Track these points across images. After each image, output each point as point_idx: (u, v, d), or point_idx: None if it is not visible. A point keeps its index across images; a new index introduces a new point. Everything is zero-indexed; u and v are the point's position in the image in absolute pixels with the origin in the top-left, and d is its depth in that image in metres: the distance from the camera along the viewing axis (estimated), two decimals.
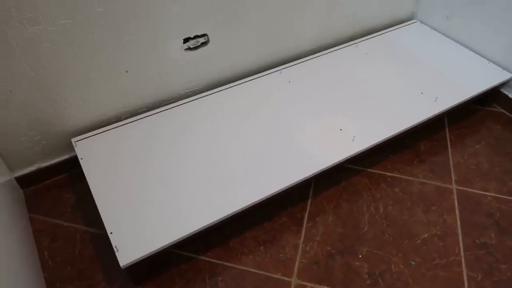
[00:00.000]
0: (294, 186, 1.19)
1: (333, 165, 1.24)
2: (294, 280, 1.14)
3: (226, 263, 1.17)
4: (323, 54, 1.67)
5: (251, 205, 1.13)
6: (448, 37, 1.80)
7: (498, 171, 1.43)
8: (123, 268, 0.99)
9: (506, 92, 1.66)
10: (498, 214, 1.30)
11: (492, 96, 1.66)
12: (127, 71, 1.28)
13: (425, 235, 1.25)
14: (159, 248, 1.03)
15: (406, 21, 1.91)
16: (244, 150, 1.27)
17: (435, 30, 1.84)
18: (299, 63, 1.62)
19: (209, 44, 1.39)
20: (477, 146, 1.52)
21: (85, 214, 1.29)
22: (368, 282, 1.14)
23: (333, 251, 1.20)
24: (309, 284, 1.13)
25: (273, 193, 1.15)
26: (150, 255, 1.02)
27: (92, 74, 1.23)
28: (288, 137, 1.31)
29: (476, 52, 1.70)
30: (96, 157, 1.24)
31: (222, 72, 1.51)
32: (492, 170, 1.44)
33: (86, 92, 1.26)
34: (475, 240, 1.24)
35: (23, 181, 1.34)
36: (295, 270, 1.16)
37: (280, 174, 1.20)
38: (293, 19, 1.54)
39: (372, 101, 1.46)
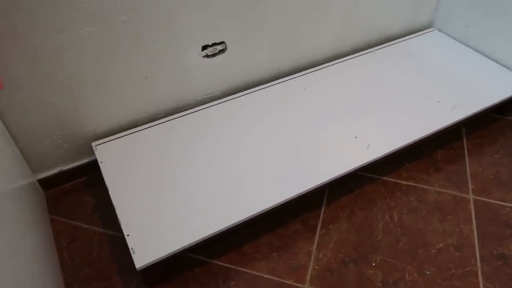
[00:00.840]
0: (308, 192, 1.20)
1: (347, 173, 1.25)
2: (306, 287, 1.14)
3: (239, 268, 1.18)
4: (340, 62, 1.67)
5: (264, 211, 1.14)
6: (466, 45, 1.78)
7: None
8: (138, 270, 1.02)
9: None
10: None
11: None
12: (146, 77, 1.32)
13: (441, 245, 1.23)
14: (174, 251, 1.05)
15: (424, 29, 1.91)
16: (259, 156, 1.29)
17: (453, 38, 1.83)
18: (315, 70, 1.63)
19: (226, 51, 1.41)
20: (496, 156, 1.50)
21: (103, 217, 1.32)
22: None
23: (347, 259, 1.20)
24: None
25: (287, 199, 1.16)
26: (165, 258, 1.04)
27: (113, 80, 1.27)
28: (303, 144, 1.32)
29: (495, 61, 1.68)
30: (115, 161, 1.28)
31: (238, 79, 1.54)
32: (511, 180, 1.41)
33: (106, 98, 1.30)
34: (493, 251, 1.22)
35: (45, 183, 1.38)
36: (308, 277, 1.16)
37: (294, 181, 1.21)
38: (310, 28, 1.55)
39: (388, 109, 1.46)
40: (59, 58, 1.13)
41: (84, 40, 1.12)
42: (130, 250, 1.04)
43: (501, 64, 1.66)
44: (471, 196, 1.37)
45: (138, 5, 1.14)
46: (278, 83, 1.57)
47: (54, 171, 1.38)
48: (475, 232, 1.26)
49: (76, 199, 1.38)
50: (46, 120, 1.24)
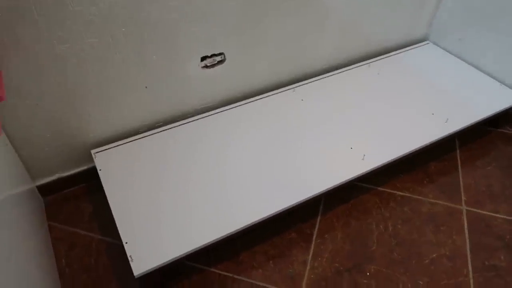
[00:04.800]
0: (304, 202, 1.22)
1: (343, 183, 1.27)
2: None
3: (236, 276, 1.20)
4: (336, 73, 1.71)
5: (261, 220, 1.16)
6: (460, 58, 1.82)
7: (509, 193, 1.43)
8: (136, 277, 1.03)
9: None
10: (508, 237, 1.30)
11: (504, 118, 1.67)
12: (146, 87, 1.34)
13: (434, 255, 1.25)
14: (172, 259, 1.06)
15: (419, 42, 1.95)
16: (256, 166, 1.31)
17: (447, 51, 1.87)
18: (312, 81, 1.66)
19: (225, 62, 1.44)
20: (488, 168, 1.53)
21: (101, 224, 1.34)
22: None
23: (341, 268, 1.22)
24: None
25: (283, 209, 1.18)
26: (163, 265, 1.06)
27: (114, 89, 1.29)
28: (299, 154, 1.35)
29: (488, 75, 1.72)
30: (114, 169, 1.29)
31: (236, 89, 1.56)
32: (503, 192, 1.44)
33: (107, 107, 1.32)
34: (484, 262, 1.24)
35: (44, 190, 1.40)
36: (303, 285, 1.18)
37: (291, 191, 1.23)
38: (308, 40, 1.59)
39: (383, 121, 1.49)
40: (62, 68, 1.15)
41: (86, 51, 1.14)
42: (128, 258, 1.05)
43: (493, 78, 1.70)
44: (463, 208, 1.39)
45: (140, 18, 1.16)
46: (275, 93, 1.60)
47: (53, 177, 1.40)
48: (468, 243, 1.29)
49: (75, 206, 1.39)
50: (47, 128, 1.26)
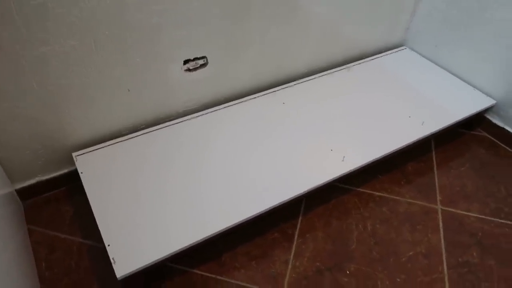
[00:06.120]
0: (286, 203, 1.24)
1: (323, 184, 1.30)
2: None
3: (218, 277, 1.21)
4: (317, 77, 1.74)
5: (243, 221, 1.18)
6: (436, 64, 1.89)
7: (481, 193, 1.50)
8: (119, 279, 1.03)
9: (489, 117, 1.74)
10: (480, 234, 1.36)
11: (477, 120, 1.74)
12: (129, 90, 1.34)
13: (411, 253, 1.30)
14: (155, 261, 1.06)
15: (397, 47, 2.01)
16: (237, 168, 1.33)
17: (424, 57, 1.93)
18: (293, 85, 1.69)
19: (207, 66, 1.46)
20: (462, 169, 1.59)
21: (82, 227, 1.33)
22: None
23: (322, 267, 1.25)
24: None
25: (265, 210, 1.20)
26: (146, 267, 1.06)
27: (96, 92, 1.28)
28: (280, 156, 1.37)
29: (462, 79, 1.79)
30: (96, 172, 1.29)
31: (219, 92, 1.58)
32: (475, 192, 1.50)
33: (89, 109, 1.31)
34: (458, 259, 1.29)
35: (23, 193, 1.38)
36: (285, 285, 1.20)
37: (272, 192, 1.25)
38: (290, 44, 1.62)
39: (362, 124, 1.53)
40: (43, 70, 1.14)
41: (68, 54, 1.14)
42: (111, 260, 1.05)
43: (467, 82, 1.77)
44: (439, 207, 1.44)
45: (123, 21, 1.17)
46: (257, 96, 1.62)
47: (33, 181, 1.38)
48: (442, 241, 1.34)
49: (55, 209, 1.38)
50: (27, 130, 1.25)
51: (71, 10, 1.07)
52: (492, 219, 1.41)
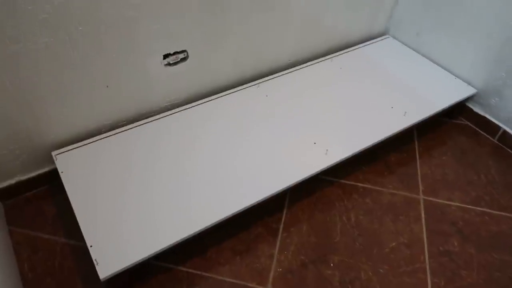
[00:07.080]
0: (270, 197, 1.25)
1: (307, 177, 1.30)
2: None
3: (204, 273, 1.21)
4: (299, 69, 1.73)
5: (228, 217, 1.18)
6: (418, 52, 1.89)
7: (462, 181, 1.52)
8: (102, 280, 1.02)
9: (471, 106, 1.76)
10: (461, 223, 1.39)
11: (458, 109, 1.76)
12: (107, 86, 1.32)
13: (393, 244, 1.32)
14: (138, 260, 1.06)
15: (380, 36, 2.00)
16: (221, 162, 1.32)
17: (406, 45, 1.93)
18: (277, 77, 1.68)
19: (188, 59, 1.43)
20: (444, 158, 1.61)
21: (65, 227, 1.31)
22: None
23: (307, 261, 1.26)
24: None
25: (249, 205, 1.20)
26: (129, 267, 1.06)
27: (73, 89, 1.25)
28: (264, 150, 1.37)
29: (444, 68, 1.80)
30: (76, 170, 1.27)
31: (201, 86, 1.56)
32: (456, 180, 1.52)
33: (66, 107, 1.28)
34: (439, 248, 1.32)
35: (3, 194, 1.35)
36: (270, 279, 1.21)
37: (256, 187, 1.25)
38: (271, 35, 1.60)
39: (345, 116, 1.53)
40: (15, 68, 1.10)
41: (41, 51, 1.11)
42: (94, 261, 1.04)
43: (448, 71, 1.78)
44: (421, 197, 1.47)
45: (97, 16, 1.13)
46: (240, 89, 1.60)
47: (12, 181, 1.35)
48: (424, 230, 1.36)
49: (36, 209, 1.36)
50: (2, 130, 1.21)
51: (43, 6, 1.03)
52: (473, 207, 1.43)
